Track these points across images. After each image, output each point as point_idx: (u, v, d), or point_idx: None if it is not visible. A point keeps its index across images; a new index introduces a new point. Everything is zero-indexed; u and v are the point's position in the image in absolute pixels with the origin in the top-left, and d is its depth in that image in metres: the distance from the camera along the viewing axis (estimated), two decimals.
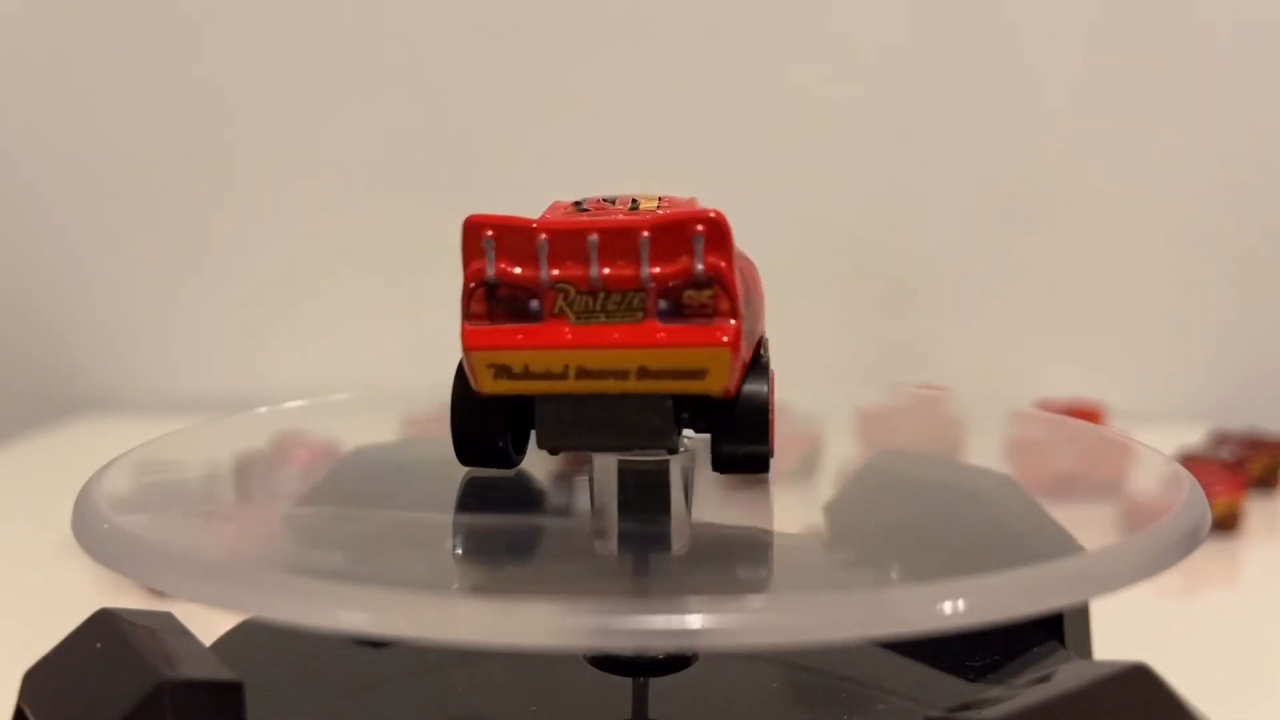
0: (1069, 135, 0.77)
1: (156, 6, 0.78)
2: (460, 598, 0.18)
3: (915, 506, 0.28)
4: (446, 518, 0.27)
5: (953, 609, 0.17)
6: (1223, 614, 0.47)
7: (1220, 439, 0.63)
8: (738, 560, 0.25)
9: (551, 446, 0.24)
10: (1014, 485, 0.29)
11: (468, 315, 0.23)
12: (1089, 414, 0.65)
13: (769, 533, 0.27)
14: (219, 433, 0.32)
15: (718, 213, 0.23)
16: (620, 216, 0.23)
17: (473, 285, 0.23)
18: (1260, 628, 0.45)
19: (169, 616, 0.22)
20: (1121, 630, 0.32)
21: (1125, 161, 0.77)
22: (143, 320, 0.82)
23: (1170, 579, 0.20)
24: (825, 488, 0.29)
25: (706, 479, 0.28)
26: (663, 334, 0.23)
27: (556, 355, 0.23)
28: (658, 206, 0.24)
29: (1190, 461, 0.57)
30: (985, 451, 0.33)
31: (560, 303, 0.23)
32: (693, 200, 0.25)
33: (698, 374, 0.23)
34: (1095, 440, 0.32)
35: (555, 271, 0.23)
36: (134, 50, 0.78)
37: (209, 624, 0.24)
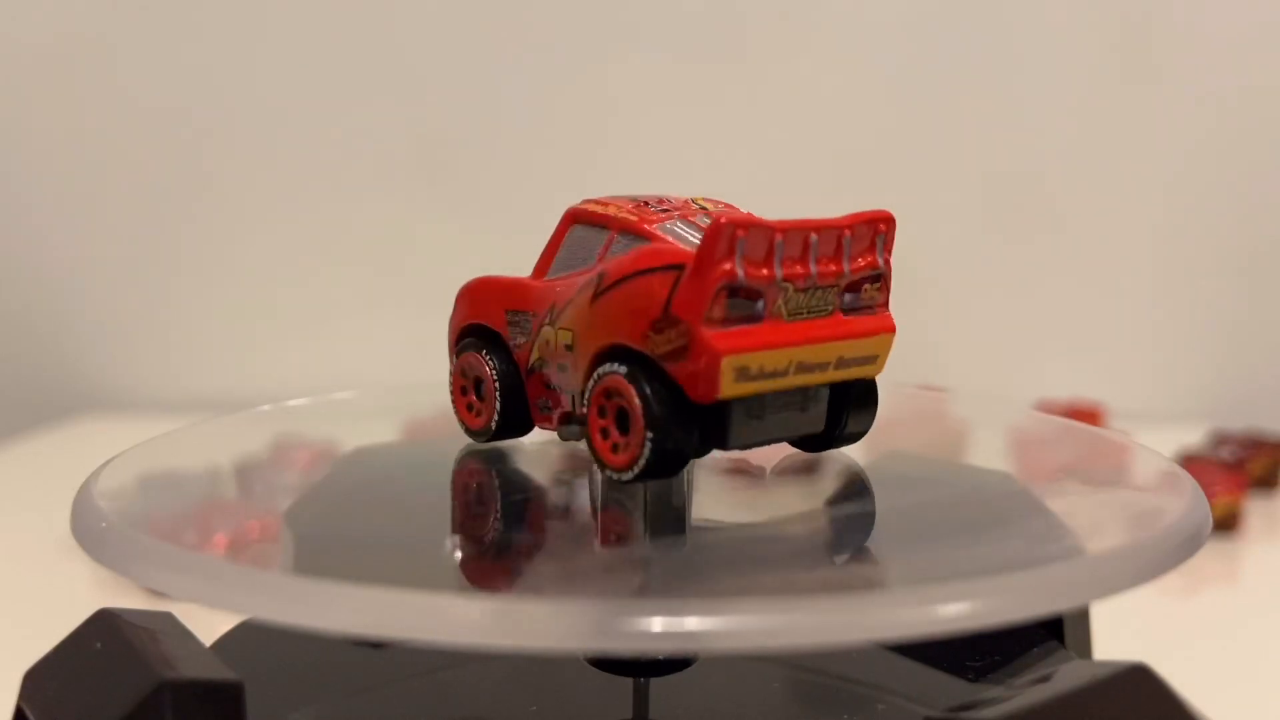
0: (1069, 136, 0.77)
1: (154, 7, 0.78)
2: (460, 599, 0.18)
3: (917, 507, 0.28)
4: (446, 518, 0.27)
5: (954, 612, 0.17)
6: (1223, 614, 0.47)
7: (1220, 439, 0.63)
8: (738, 561, 0.24)
9: (741, 445, 0.24)
10: (1016, 486, 0.29)
11: (706, 320, 0.22)
12: (1089, 414, 0.65)
13: (770, 534, 0.27)
14: (218, 431, 0.32)
15: (890, 213, 0.25)
16: (822, 219, 0.24)
17: (719, 288, 0.22)
18: (1260, 628, 0.45)
19: (169, 617, 0.22)
20: (1121, 630, 0.32)
21: (1125, 162, 0.77)
22: (142, 320, 0.82)
23: (1170, 579, 0.20)
24: (826, 488, 0.29)
25: (707, 479, 0.28)
26: (867, 324, 0.25)
27: (786, 353, 0.23)
28: (708, 206, 0.26)
29: (1190, 461, 0.57)
30: (986, 452, 0.33)
31: (779, 301, 0.23)
32: (717, 202, 0.27)
33: (872, 360, 0.25)
34: (1096, 442, 0.32)
35: (784, 270, 0.23)
36: (134, 51, 0.78)
37: (209, 624, 0.24)
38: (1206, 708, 0.20)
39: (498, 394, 0.27)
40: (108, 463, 0.25)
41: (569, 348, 0.25)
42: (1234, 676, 0.40)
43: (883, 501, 0.28)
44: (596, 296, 0.24)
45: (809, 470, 0.28)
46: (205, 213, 0.80)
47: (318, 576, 0.18)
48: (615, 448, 0.24)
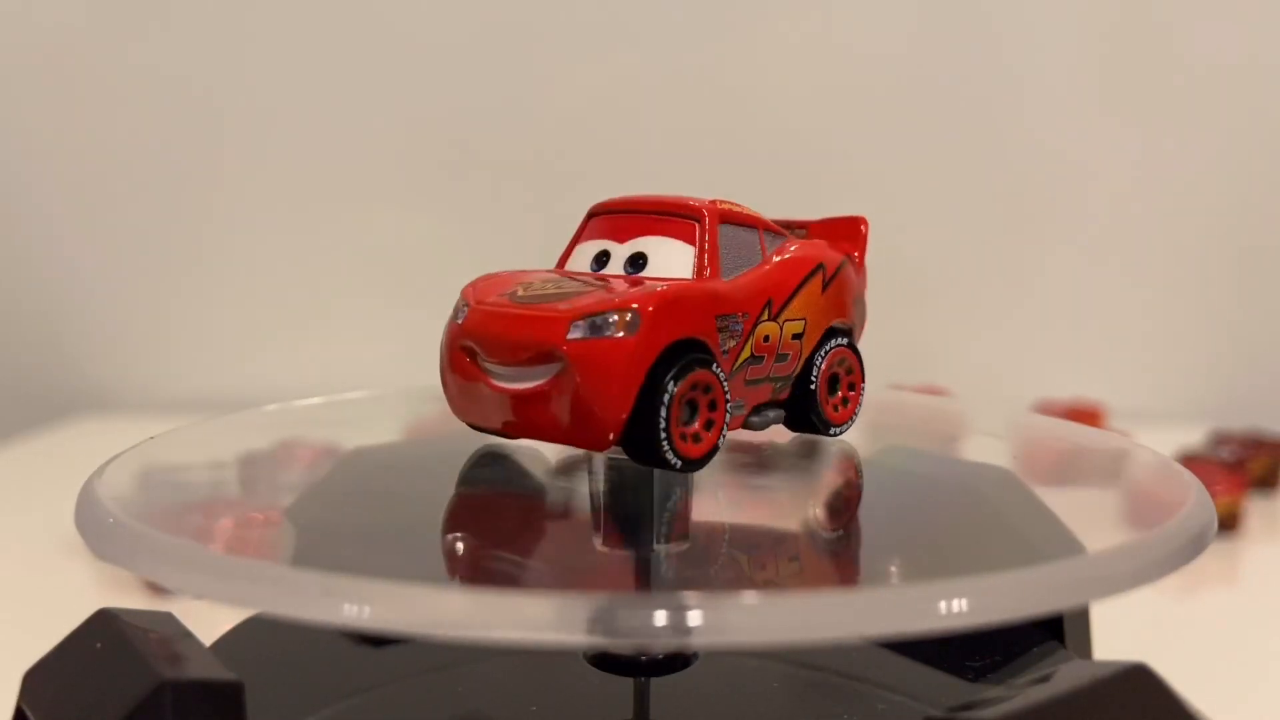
0: (1069, 137, 0.77)
1: (156, 7, 0.78)
2: (460, 593, 0.18)
3: (917, 505, 0.28)
4: (448, 515, 0.27)
5: (953, 609, 0.17)
6: (1223, 614, 0.47)
7: (1220, 439, 0.63)
8: (737, 558, 0.24)
9: None
10: (1016, 483, 0.29)
11: None
12: (1089, 414, 0.65)
13: (769, 530, 0.27)
14: (221, 430, 0.32)
15: None
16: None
17: None
18: (1260, 628, 0.45)
19: (169, 617, 0.22)
20: (1121, 630, 0.32)
21: (1126, 163, 0.77)
22: (143, 321, 0.82)
23: (1170, 579, 0.20)
24: (826, 485, 0.29)
25: (707, 476, 0.28)
26: None
27: None
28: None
29: (1190, 461, 0.57)
30: (986, 451, 0.33)
31: None
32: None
33: None
34: (1098, 442, 0.32)
35: None
36: (135, 52, 0.78)
37: (209, 624, 0.24)
38: (1206, 708, 0.20)
39: (728, 409, 0.25)
40: (111, 460, 0.25)
41: (798, 336, 0.27)
42: (1234, 676, 0.40)
43: (883, 499, 0.28)
44: (826, 285, 0.28)
45: (809, 467, 0.28)
46: (207, 212, 0.80)
47: (320, 571, 0.18)
48: (836, 408, 0.29)
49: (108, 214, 0.81)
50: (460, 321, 0.25)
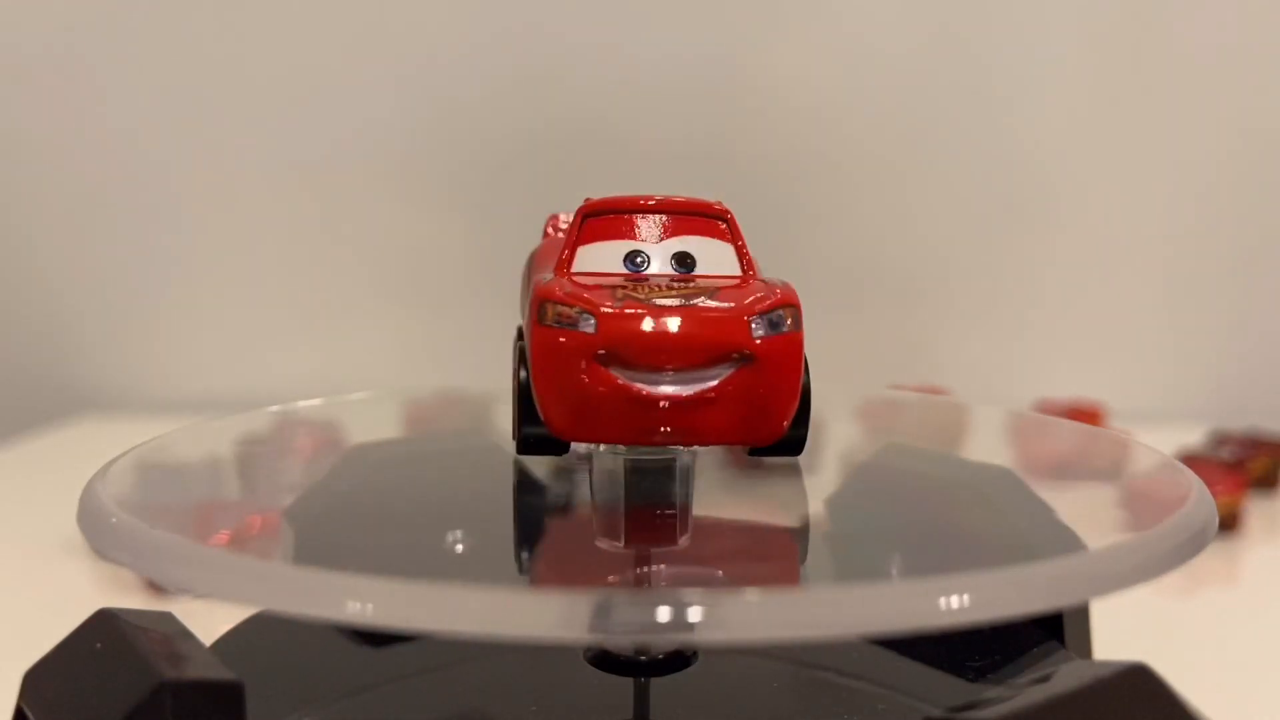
0: (1069, 135, 0.77)
1: (157, 4, 0.78)
2: (460, 589, 0.18)
3: (917, 502, 0.28)
4: (449, 513, 0.27)
5: (954, 604, 0.17)
6: (1223, 614, 0.47)
7: (1220, 439, 0.63)
8: (738, 555, 0.25)
9: None
10: (1016, 481, 0.29)
11: None
12: (1089, 414, 0.65)
13: (770, 527, 0.27)
14: (223, 430, 0.32)
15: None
16: None
17: None
18: (1260, 628, 0.45)
19: (169, 616, 0.22)
20: (1121, 630, 0.32)
21: (1125, 162, 0.77)
22: (144, 321, 0.82)
23: (1170, 579, 0.20)
24: (827, 483, 0.29)
25: (708, 473, 0.28)
26: None
27: None
28: None
29: (1190, 461, 0.56)
30: (987, 452, 0.33)
31: None
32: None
33: None
34: (1097, 440, 0.32)
35: None
36: (135, 50, 0.78)
37: (209, 624, 0.24)
38: (1206, 708, 0.20)
39: None
40: (114, 461, 0.25)
41: None
42: (1234, 676, 0.40)
43: (883, 496, 0.28)
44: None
45: (809, 464, 0.28)
46: (208, 212, 0.80)
47: (322, 569, 0.18)
48: None
49: (108, 213, 0.81)
50: (592, 331, 0.23)
